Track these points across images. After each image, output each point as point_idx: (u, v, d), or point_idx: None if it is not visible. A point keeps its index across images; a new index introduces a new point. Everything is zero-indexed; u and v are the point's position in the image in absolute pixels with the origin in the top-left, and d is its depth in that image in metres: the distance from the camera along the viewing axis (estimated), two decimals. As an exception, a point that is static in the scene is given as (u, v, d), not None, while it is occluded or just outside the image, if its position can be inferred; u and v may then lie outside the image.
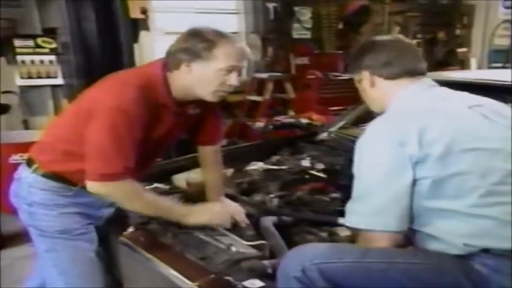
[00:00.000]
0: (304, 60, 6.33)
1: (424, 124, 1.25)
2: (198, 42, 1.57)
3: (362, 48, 1.55)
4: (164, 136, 1.70)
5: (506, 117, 1.37)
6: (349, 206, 1.34)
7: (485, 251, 1.19)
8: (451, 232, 1.24)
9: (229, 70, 1.61)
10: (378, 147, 1.29)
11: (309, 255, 1.25)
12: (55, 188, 1.67)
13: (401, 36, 1.58)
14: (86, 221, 1.72)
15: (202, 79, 1.60)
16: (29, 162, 1.73)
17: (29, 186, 1.70)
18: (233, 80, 1.64)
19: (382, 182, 1.26)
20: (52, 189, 1.67)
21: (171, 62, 1.62)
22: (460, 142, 1.25)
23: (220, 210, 1.76)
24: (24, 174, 1.73)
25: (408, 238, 1.35)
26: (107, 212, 1.82)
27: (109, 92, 1.57)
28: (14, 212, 1.83)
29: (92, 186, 1.54)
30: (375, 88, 1.48)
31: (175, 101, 1.66)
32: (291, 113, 5.53)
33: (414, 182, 1.24)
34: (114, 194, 1.58)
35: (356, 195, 1.32)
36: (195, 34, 1.60)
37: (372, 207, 1.28)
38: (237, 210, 1.82)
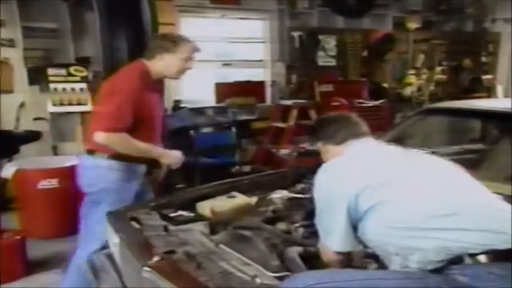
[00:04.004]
0: (329, 88, 6.36)
1: (358, 168, 1.58)
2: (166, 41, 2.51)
3: (313, 126, 1.98)
4: (156, 113, 2.57)
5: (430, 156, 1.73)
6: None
7: (459, 261, 1.33)
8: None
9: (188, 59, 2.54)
10: (323, 184, 1.60)
11: (303, 279, 1.37)
12: None
13: (344, 112, 2.02)
14: None
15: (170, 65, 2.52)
16: None
17: None
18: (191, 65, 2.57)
19: (324, 212, 1.57)
20: None
21: (147, 54, 2.51)
22: (394, 173, 1.53)
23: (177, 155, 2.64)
24: None
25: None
26: None
27: (115, 80, 2.48)
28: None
29: (99, 137, 2.33)
30: (328, 153, 1.83)
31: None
32: (316, 140, 5.53)
33: (365, 212, 1.48)
34: (115, 140, 2.36)
35: (316, 218, 1.64)
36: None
37: (321, 228, 1.60)
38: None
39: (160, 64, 2.50)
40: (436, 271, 1.36)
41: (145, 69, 2.52)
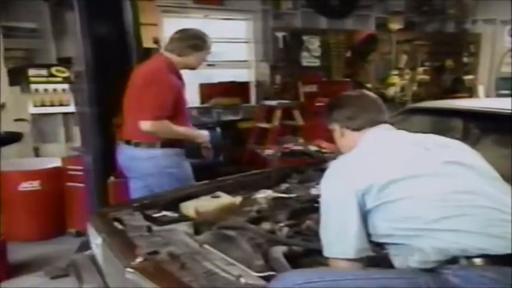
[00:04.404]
0: (313, 88, 6.36)
1: (366, 164, 1.49)
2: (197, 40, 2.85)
3: (331, 103, 1.82)
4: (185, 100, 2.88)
5: (445, 146, 1.59)
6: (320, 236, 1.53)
7: (454, 262, 1.30)
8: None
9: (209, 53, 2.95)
10: (331, 184, 1.52)
11: (292, 278, 1.34)
12: None
13: (366, 92, 1.84)
14: None
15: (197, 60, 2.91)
16: None
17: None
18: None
19: (334, 215, 1.46)
20: None
21: (175, 50, 2.81)
22: (398, 173, 1.43)
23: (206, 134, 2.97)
24: None
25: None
26: None
27: (147, 70, 2.77)
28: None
29: (146, 125, 2.62)
30: (344, 137, 1.74)
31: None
32: (300, 140, 5.54)
33: (368, 211, 1.43)
34: (160, 128, 2.65)
35: (321, 226, 1.52)
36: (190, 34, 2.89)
37: (329, 237, 1.47)
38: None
39: (189, 59, 2.84)
40: (429, 270, 1.33)
41: (170, 61, 2.80)
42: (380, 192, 1.40)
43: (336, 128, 1.77)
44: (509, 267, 1.25)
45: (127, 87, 2.84)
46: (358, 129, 1.69)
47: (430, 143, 1.58)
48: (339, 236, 1.44)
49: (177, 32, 2.92)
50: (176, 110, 2.74)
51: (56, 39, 4.89)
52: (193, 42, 2.83)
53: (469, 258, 1.29)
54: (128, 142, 2.81)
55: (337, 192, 1.47)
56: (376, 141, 1.63)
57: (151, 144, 2.74)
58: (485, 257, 1.28)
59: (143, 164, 2.78)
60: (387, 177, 1.42)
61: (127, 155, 2.85)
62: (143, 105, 2.66)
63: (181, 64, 2.86)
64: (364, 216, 1.44)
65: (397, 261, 1.44)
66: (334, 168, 1.56)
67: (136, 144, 2.78)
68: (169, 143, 2.75)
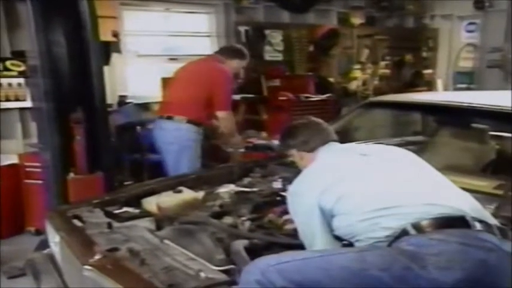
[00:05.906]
0: (276, 82, 6.38)
1: (318, 176, 1.73)
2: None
3: (284, 133, 2.09)
4: None
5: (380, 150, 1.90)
6: None
7: (406, 234, 1.45)
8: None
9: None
10: (297, 195, 1.74)
11: (266, 260, 1.46)
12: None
13: (312, 118, 2.08)
14: None
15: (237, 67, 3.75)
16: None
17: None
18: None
19: (303, 224, 1.70)
20: None
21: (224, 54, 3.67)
22: (342, 178, 1.66)
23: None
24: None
25: None
26: None
27: (218, 68, 3.55)
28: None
29: (223, 114, 3.54)
30: (303, 159, 1.99)
31: None
32: (263, 134, 5.56)
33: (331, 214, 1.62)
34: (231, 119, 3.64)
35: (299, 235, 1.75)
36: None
37: (306, 243, 1.70)
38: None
39: (229, 63, 3.61)
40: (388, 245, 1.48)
41: (223, 62, 3.59)
42: (331, 191, 1.61)
43: (294, 153, 2.02)
44: (453, 228, 1.44)
45: (175, 79, 3.72)
46: (312, 150, 1.94)
47: (367, 150, 1.86)
48: (310, 242, 1.67)
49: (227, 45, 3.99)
50: None
51: (9, 32, 4.70)
52: (237, 52, 3.70)
53: (417, 228, 1.45)
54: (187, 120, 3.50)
55: (300, 207, 1.70)
56: (331, 154, 1.89)
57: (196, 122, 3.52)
58: (429, 219, 1.45)
59: (179, 134, 3.53)
60: (335, 178, 1.66)
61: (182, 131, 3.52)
62: (221, 97, 3.48)
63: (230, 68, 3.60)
64: (330, 217, 1.62)
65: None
66: (293, 188, 1.78)
67: (189, 122, 3.48)
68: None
